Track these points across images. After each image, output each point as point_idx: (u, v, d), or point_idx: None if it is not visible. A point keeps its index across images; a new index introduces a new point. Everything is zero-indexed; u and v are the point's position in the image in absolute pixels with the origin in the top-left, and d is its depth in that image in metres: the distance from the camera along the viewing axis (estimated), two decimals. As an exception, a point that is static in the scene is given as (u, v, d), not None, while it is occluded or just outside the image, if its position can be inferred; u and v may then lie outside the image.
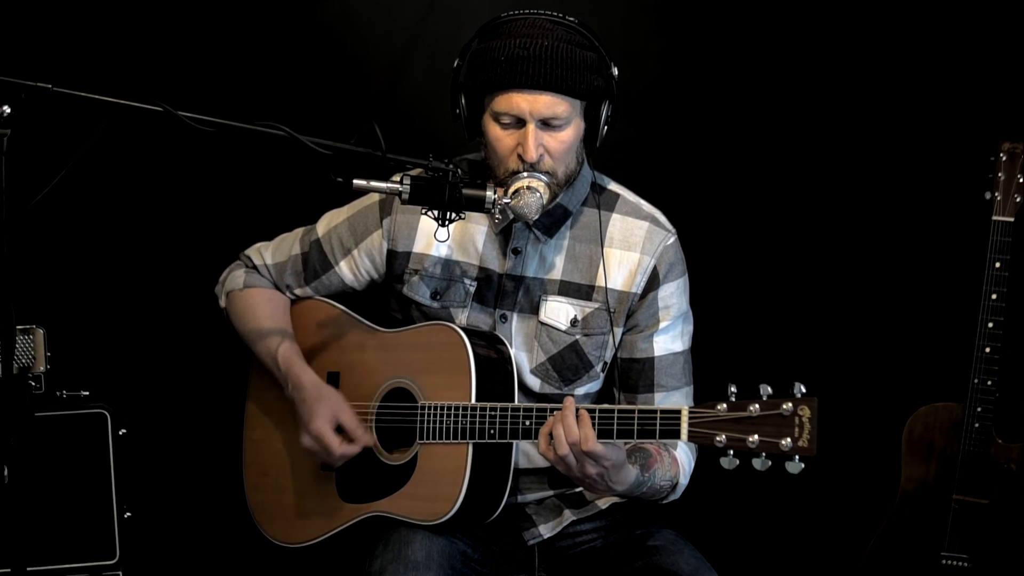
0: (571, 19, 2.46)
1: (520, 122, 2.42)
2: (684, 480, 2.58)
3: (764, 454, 2.15)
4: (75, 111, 2.09)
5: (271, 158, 3.11)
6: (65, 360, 2.85)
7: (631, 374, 2.62)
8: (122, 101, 2.11)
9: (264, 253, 2.80)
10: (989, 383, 3.02)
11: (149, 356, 3.43)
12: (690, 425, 2.22)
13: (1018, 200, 3.01)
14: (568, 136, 2.45)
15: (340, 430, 2.57)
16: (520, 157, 2.43)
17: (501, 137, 2.45)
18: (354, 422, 2.57)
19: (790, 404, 2.13)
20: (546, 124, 2.42)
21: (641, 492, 2.47)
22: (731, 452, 2.17)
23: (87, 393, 2.84)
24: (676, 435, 2.24)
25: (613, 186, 2.66)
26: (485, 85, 2.43)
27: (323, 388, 2.60)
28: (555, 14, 2.45)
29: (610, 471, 2.32)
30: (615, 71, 2.49)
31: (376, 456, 2.60)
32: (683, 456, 2.58)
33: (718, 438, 2.18)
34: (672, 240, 2.62)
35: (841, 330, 3.47)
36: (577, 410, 2.30)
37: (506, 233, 2.61)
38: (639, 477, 2.42)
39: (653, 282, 2.59)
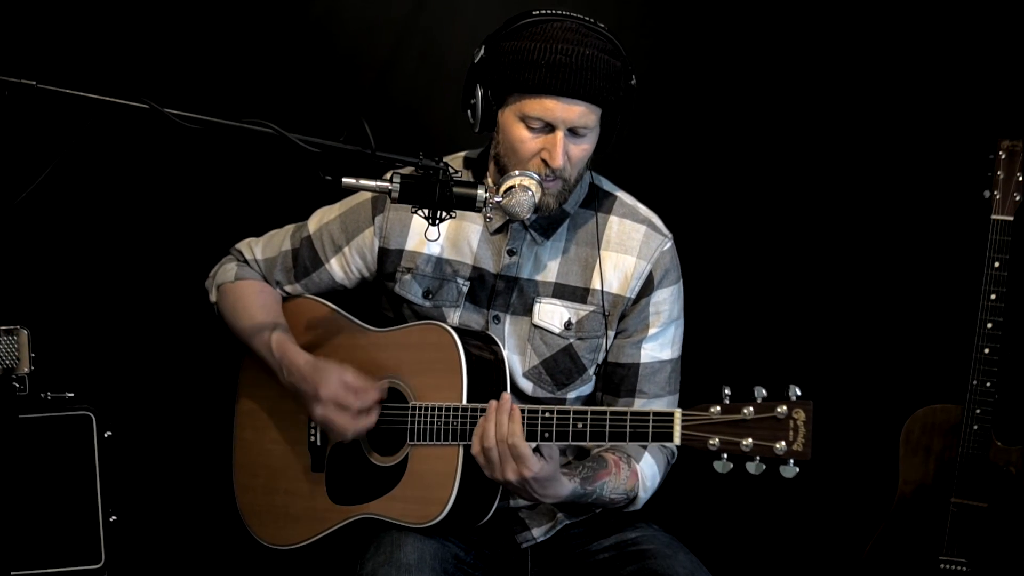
0: (601, 25, 2.44)
1: (548, 127, 2.42)
2: (644, 495, 2.57)
3: (758, 458, 2.14)
4: (60, 108, 2.08)
5: (259, 156, 3.06)
6: (49, 361, 2.82)
7: (614, 378, 2.62)
8: (107, 98, 2.10)
9: (254, 248, 2.79)
10: (988, 384, 3.00)
11: (135, 356, 3.41)
12: (683, 428, 2.21)
13: (1017, 199, 2.99)
14: (590, 145, 2.47)
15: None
16: (544, 162, 2.43)
17: (526, 139, 2.43)
18: (361, 377, 2.54)
19: (785, 407, 2.12)
20: (573, 132, 2.42)
21: (584, 503, 2.49)
22: (725, 456, 2.17)
23: (72, 395, 2.81)
24: (669, 438, 2.23)
25: (610, 188, 2.66)
26: (519, 85, 2.40)
27: (319, 361, 2.58)
28: (586, 19, 2.43)
29: (531, 482, 2.33)
30: (634, 81, 2.48)
31: (366, 457, 2.59)
32: (647, 470, 2.57)
33: (711, 441, 2.17)
34: (669, 245, 2.61)
35: (838, 330, 3.46)
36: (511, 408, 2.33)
37: (502, 233, 2.59)
38: (576, 490, 2.43)
39: (647, 287, 2.58)
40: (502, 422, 2.32)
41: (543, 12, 2.43)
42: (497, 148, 2.52)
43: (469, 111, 2.51)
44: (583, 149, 2.45)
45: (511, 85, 2.41)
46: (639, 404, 2.59)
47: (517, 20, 2.44)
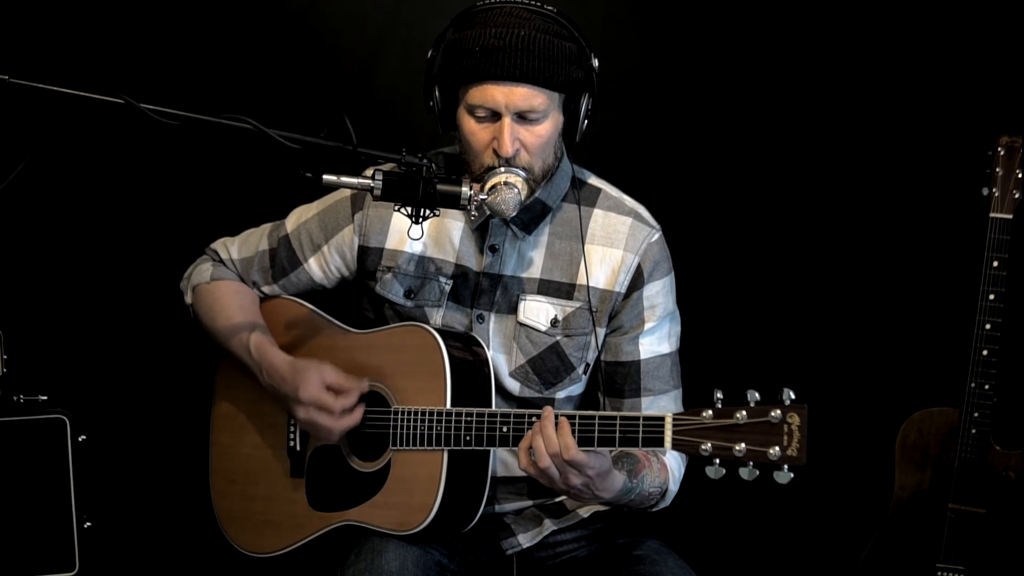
0: (550, 8, 2.41)
1: (495, 115, 2.38)
2: (674, 487, 2.54)
3: (751, 463, 2.11)
4: (33, 103, 2.06)
5: (237, 153, 3.06)
6: (22, 363, 2.78)
7: (616, 378, 2.58)
8: (82, 93, 2.08)
9: (230, 248, 2.75)
10: (986, 387, 2.97)
11: (110, 358, 3.37)
12: (674, 433, 2.19)
13: (1016, 196, 2.96)
14: (545, 130, 2.41)
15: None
16: (496, 152, 2.39)
17: (476, 131, 2.40)
18: (342, 376, 2.49)
19: (779, 411, 2.09)
20: (522, 117, 2.38)
21: (629, 500, 2.43)
22: (717, 461, 2.14)
23: (45, 398, 2.77)
24: (659, 443, 2.20)
25: (594, 181, 2.62)
26: (459, 76, 2.38)
27: (299, 361, 2.54)
28: (533, 3, 2.40)
29: (595, 480, 2.28)
30: (596, 63, 2.44)
31: (347, 462, 2.55)
32: (672, 462, 2.54)
33: (703, 446, 2.14)
34: (657, 236, 2.57)
35: (833, 331, 3.43)
36: (556, 418, 2.26)
37: (483, 230, 2.55)
38: (627, 484, 2.38)
39: (637, 281, 2.54)
40: (551, 437, 2.24)
41: (488, 1, 2.41)
42: (460, 147, 2.49)
43: (434, 115, 2.49)
44: (537, 134, 2.39)
45: (456, 79, 2.39)
46: (647, 403, 2.56)
47: (462, 14, 2.42)
